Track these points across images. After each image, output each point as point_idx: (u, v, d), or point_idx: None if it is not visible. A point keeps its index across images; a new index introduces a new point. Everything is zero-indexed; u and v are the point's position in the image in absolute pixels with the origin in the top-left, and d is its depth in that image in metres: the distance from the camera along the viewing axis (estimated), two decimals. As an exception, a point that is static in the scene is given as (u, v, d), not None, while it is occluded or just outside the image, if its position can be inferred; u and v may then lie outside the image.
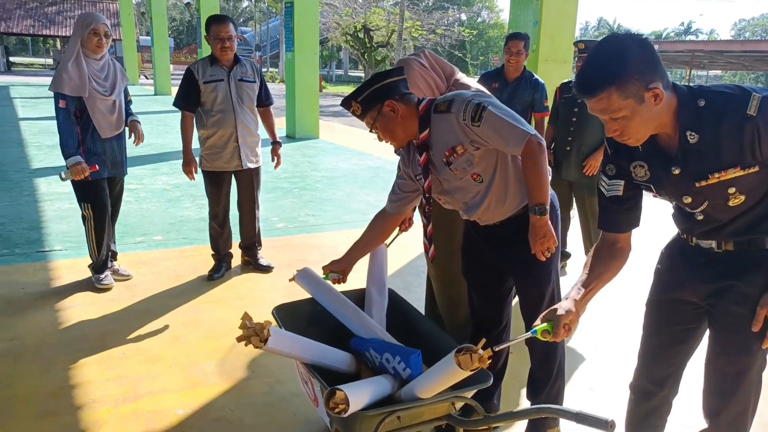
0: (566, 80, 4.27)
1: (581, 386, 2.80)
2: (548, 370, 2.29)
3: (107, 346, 3.01)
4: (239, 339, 1.74)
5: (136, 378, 2.72)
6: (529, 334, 1.61)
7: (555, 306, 1.62)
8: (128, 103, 3.70)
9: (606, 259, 1.70)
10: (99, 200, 3.56)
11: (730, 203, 1.53)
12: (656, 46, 1.56)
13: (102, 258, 3.70)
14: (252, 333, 1.73)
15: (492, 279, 2.25)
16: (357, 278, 2.43)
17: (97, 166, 3.45)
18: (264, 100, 3.94)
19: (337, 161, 8.90)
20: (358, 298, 2.40)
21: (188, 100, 3.72)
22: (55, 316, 3.31)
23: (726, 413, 1.68)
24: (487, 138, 1.92)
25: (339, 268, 2.32)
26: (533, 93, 4.22)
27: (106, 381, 2.68)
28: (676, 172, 1.54)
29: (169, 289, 3.78)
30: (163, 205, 5.84)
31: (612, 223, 1.71)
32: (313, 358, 1.93)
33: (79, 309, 3.42)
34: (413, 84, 2.45)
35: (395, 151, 2.24)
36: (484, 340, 1.57)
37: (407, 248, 4.23)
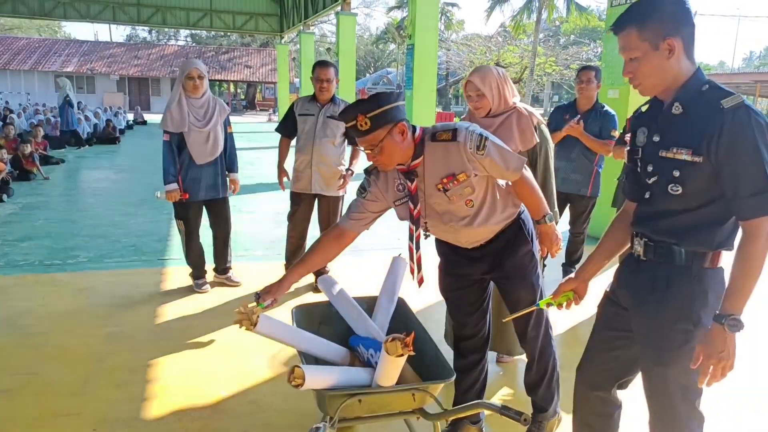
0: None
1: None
2: (541, 370, 2.41)
3: (185, 336, 3.56)
4: (235, 322, 2.10)
5: (197, 362, 3.21)
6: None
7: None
8: (229, 135, 4.29)
9: (623, 227, 1.85)
10: (190, 219, 4.21)
11: (670, 189, 1.60)
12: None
13: (194, 265, 4.33)
14: (245, 317, 2.09)
15: (476, 293, 2.41)
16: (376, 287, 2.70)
17: (188, 194, 4.07)
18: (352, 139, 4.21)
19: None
20: (371, 303, 2.67)
21: (285, 127, 4.35)
22: (154, 311, 3.96)
23: (654, 427, 1.71)
24: (488, 165, 2.03)
25: (276, 294, 2.29)
26: (601, 122, 4.26)
27: (174, 363, 3.19)
28: (656, 139, 1.65)
29: (252, 296, 4.31)
30: (271, 227, 6.53)
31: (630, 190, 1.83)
32: (303, 346, 2.24)
33: (174, 307, 4.04)
34: (487, 85, 2.63)
35: (367, 172, 2.22)
36: (414, 333, 1.79)
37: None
